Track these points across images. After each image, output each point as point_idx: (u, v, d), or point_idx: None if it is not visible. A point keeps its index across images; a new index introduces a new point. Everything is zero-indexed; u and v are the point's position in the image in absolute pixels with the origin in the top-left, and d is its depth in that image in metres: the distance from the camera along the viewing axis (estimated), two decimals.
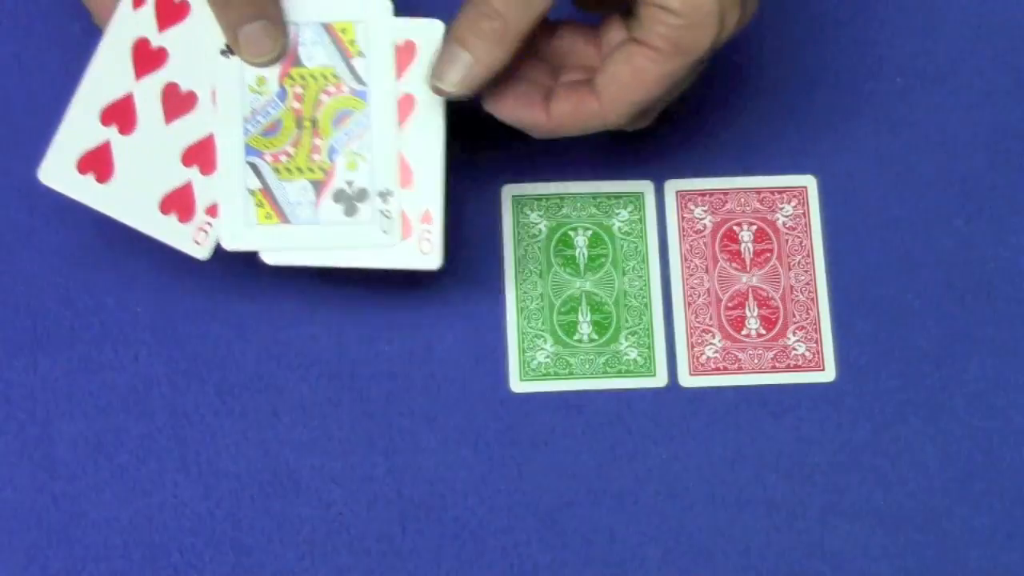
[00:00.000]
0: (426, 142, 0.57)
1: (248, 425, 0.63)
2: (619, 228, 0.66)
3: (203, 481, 0.63)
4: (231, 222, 0.57)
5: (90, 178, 0.56)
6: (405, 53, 0.57)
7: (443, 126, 0.57)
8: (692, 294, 0.65)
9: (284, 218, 0.57)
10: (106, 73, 0.56)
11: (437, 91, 0.56)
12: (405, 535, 0.62)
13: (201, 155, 0.57)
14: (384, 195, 0.56)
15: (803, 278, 0.65)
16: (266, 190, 0.57)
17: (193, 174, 0.57)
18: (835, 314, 0.65)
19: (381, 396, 0.64)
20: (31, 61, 0.65)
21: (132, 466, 0.63)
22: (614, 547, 0.63)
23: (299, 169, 0.57)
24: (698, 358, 0.64)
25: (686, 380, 0.64)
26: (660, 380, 0.64)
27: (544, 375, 0.64)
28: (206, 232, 0.57)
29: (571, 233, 0.66)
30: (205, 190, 0.57)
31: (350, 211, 0.57)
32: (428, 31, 0.56)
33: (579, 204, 0.66)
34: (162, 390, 0.64)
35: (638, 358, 0.64)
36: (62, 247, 0.65)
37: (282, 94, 0.57)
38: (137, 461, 0.63)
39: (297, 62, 0.57)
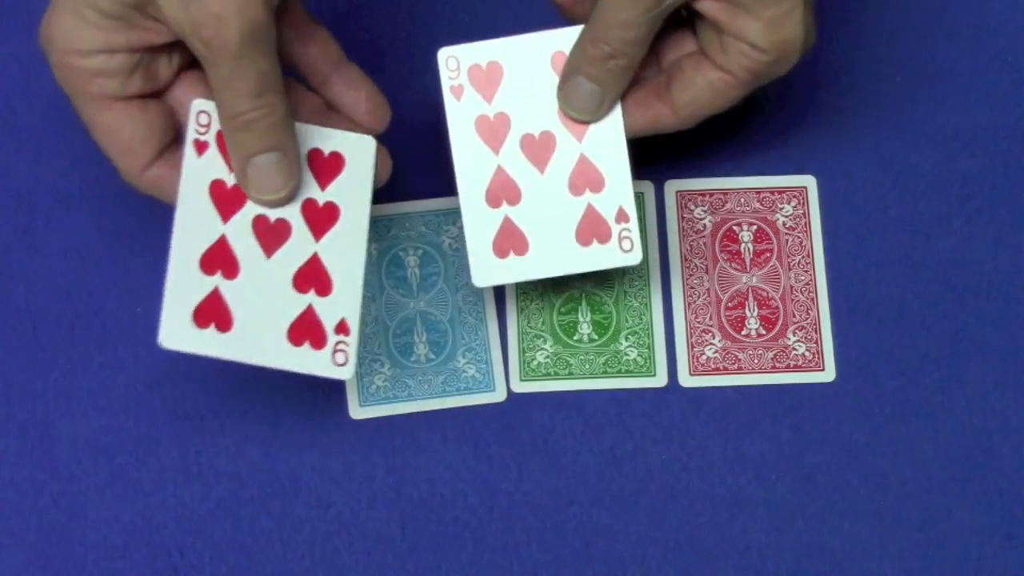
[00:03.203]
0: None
1: (248, 425, 0.63)
2: None
3: (203, 481, 0.63)
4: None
5: (212, 330, 0.54)
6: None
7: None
8: (692, 294, 0.65)
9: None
10: (193, 223, 0.55)
11: (570, 117, 0.58)
12: (405, 535, 0.62)
13: (312, 278, 0.56)
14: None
15: (803, 278, 0.65)
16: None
17: (311, 298, 0.56)
18: (835, 314, 0.65)
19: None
20: (30, 62, 0.65)
21: (132, 466, 0.63)
22: (614, 547, 0.63)
23: None
24: (698, 358, 0.64)
25: (686, 380, 0.64)
26: (660, 380, 0.64)
27: (544, 375, 0.64)
28: (344, 352, 0.55)
29: None
30: (327, 309, 0.56)
31: None
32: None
33: None
34: (162, 390, 0.64)
35: (638, 358, 0.64)
36: (62, 247, 0.65)
37: None
38: (137, 461, 0.63)
39: None
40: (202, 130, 0.55)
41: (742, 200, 0.66)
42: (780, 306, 0.65)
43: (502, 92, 0.58)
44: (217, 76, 0.51)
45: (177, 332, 0.54)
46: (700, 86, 0.57)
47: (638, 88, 0.59)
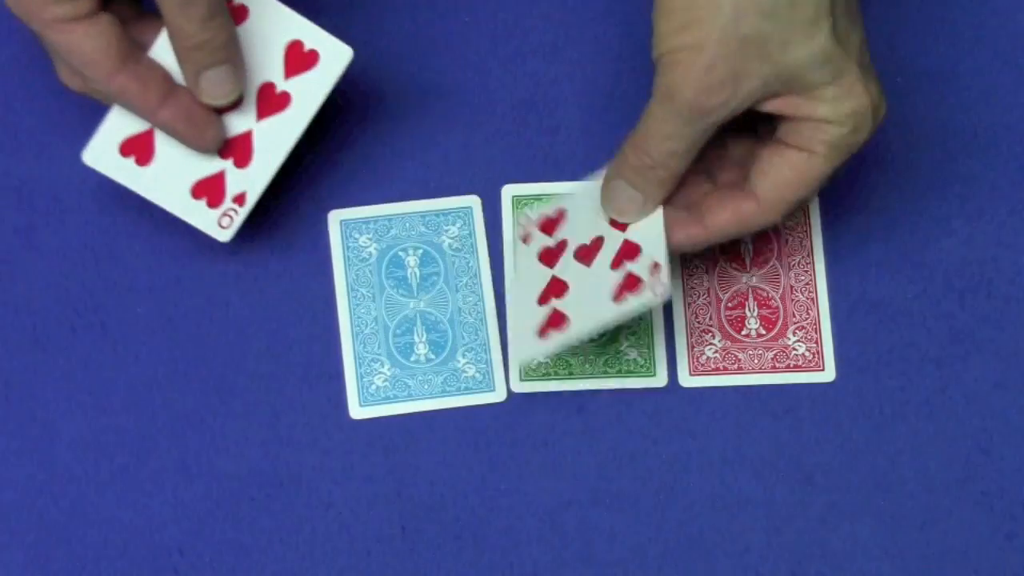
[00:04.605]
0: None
1: (248, 425, 0.63)
2: None
3: (203, 481, 0.63)
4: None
5: (130, 161, 0.59)
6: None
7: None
8: (692, 294, 0.65)
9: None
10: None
11: (613, 220, 0.59)
12: (405, 535, 0.62)
13: (236, 149, 0.60)
14: None
15: (803, 278, 0.65)
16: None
17: (227, 165, 0.60)
18: (835, 314, 0.65)
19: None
20: (31, 62, 0.65)
21: (132, 466, 0.63)
22: (614, 547, 0.63)
23: None
24: (698, 358, 0.64)
25: (686, 380, 0.64)
26: (660, 380, 0.64)
27: (544, 375, 0.64)
28: (231, 218, 0.60)
29: None
30: (236, 179, 0.59)
31: None
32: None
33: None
34: (162, 390, 0.64)
35: (638, 358, 0.64)
36: (62, 247, 0.65)
37: None
38: (137, 461, 0.63)
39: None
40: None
41: None
42: (780, 306, 0.65)
43: (564, 227, 0.61)
44: (170, 4, 0.55)
45: (101, 154, 0.59)
46: (781, 169, 0.56)
47: (716, 191, 0.58)
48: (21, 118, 0.66)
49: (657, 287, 0.57)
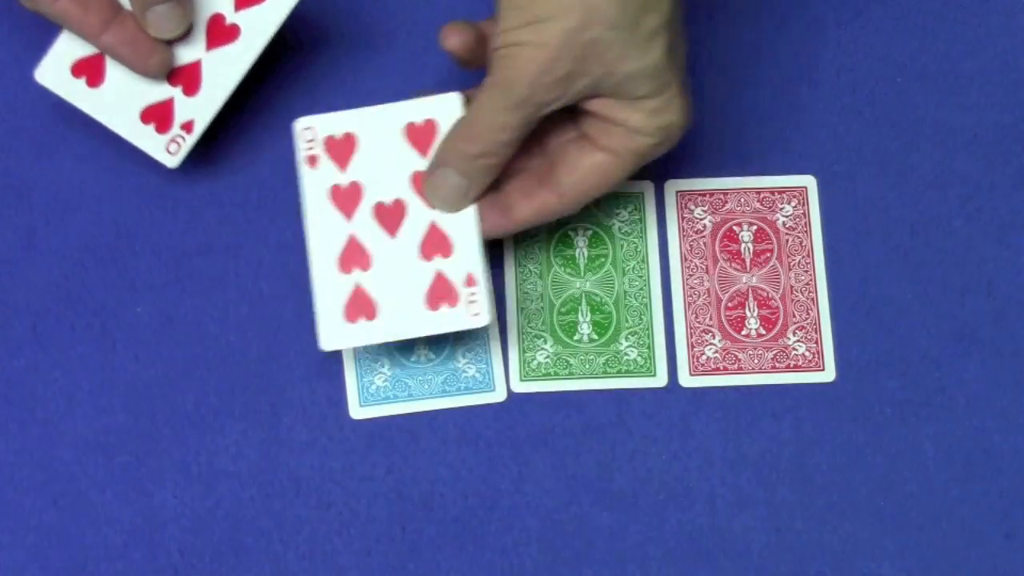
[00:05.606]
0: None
1: (248, 425, 0.63)
2: (619, 228, 0.66)
3: (203, 481, 0.63)
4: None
5: (82, 82, 0.61)
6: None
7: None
8: (692, 294, 0.65)
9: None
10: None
11: (432, 205, 0.59)
12: (405, 535, 0.62)
13: (186, 77, 0.61)
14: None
15: (803, 278, 0.65)
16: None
17: (176, 92, 0.61)
18: (835, 314, 0.65)
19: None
20: (31, 63, 0.65)
21: (132, 466, 0.63)
22: (614, 547, 0.63)
23: None
24: (698, 358, 0.64)
25: (686, 380, 0.64)
26: (660, 380, 0.64)
27: (544, 375, 0.64)
28: (179, 144, 0.61)
29: (571, 233, 0.66)
30: (184, 108, 0.61)
31: None
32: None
33: None
34: (162, 390, 0.64)
35: (638, 358, 0.64)
36: (62, 247, 0.65)
37: None
38: (137, 461, 0.63)
39: None
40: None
41: (742, 200, 0.66)
42: (780, 306, 0.65)
43: (356, 161, 0.60)
44: None
45: (53, 74, 0.61)
46: (585, 168, 0.58)
47: (521, 178, 0.60)
48: (21, 118, 0.66)
49: (473, 310, 0.58)
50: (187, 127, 0.61)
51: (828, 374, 0.64)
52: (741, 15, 0.68)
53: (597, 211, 0.66)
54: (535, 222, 0.60)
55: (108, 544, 0.62)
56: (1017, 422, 0.64)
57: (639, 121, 0.57)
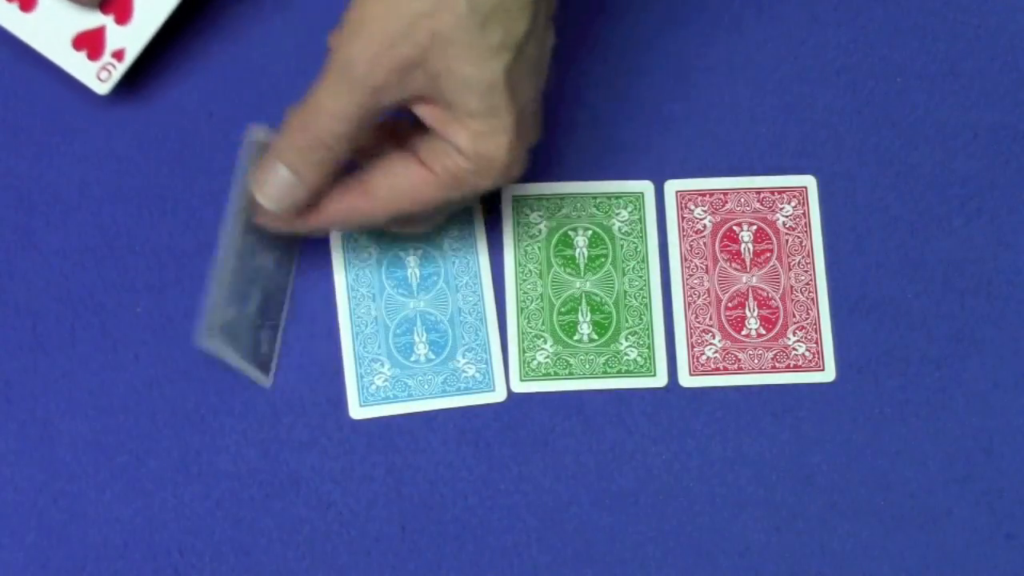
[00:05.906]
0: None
1: (248, 425, 0.63)
2: (619, 228, 0.66)
3: (203, 481, 0.63)
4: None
5: (15, 6, 0.63)
6: None
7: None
8: (692, 294, 0.65)
9: None
10: None
11: (255, 200, 0.56)
12: (405, 535, 0.62)
13: (118, 6, 0.63)
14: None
15: (803, 278, 0.65)
16: None
17: (108, 21, 0.63)
18: (835, 314, 0.65)
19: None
20: (31, 63, 0.65)
21: (132, 466, 0.63)
22: (614, 547, 0.63)
23: None
24: (698, 358, 0.64)
25: (686, 380, 0.64)
26: (660, 380, 0.64)
27: (544, 375, 0.64)
28: (109, 72, 0.63)
29: (571, 233, 0.66)
30: (116, 35, 0.63)
31: None
32: None
33: (579, 204, 0.66)
34: (162, 390, 0.64)
35: (638, 358, 0.64)
36: (62, 247, 0.65)
37: None
38: (137, 461, 0.63)
39: None
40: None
41: (742, 200, 0.66)
42: (780, 306, 0.65)
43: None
44: None
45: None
46: (401, 178, 0.55)
47: (338, 180, 0.56)
48: (21, 118, 0.66)
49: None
50: (118, 55, 0.63)
51: (828, 374, 0.64)
52: (741, 15, 0.68)
53: (597, 211, 0.66)
54: (342, 225, 0.58)
55: (108, 544, 0.62)
56: (1017, 422, 0.64)
57: (462, 140, 0.54)
